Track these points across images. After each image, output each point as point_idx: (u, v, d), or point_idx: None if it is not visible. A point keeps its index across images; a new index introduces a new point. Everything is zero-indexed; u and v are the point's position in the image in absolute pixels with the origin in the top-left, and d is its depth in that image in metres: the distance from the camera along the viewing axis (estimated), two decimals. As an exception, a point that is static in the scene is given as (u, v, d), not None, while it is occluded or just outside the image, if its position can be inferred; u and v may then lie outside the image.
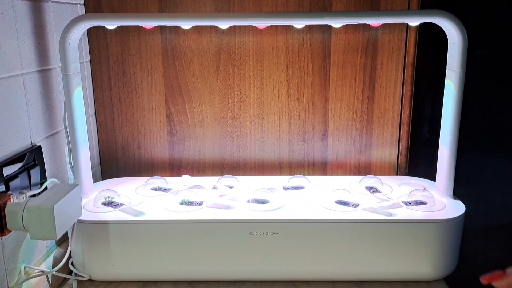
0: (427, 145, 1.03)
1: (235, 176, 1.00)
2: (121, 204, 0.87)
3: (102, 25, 0.87)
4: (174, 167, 1.11)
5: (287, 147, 1.08)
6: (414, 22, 0.80)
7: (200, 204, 0.86)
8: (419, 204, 0.82)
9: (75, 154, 0.87)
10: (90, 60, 1.06)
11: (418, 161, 1.05)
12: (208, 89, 1.06)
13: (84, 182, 0.90)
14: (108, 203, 0.87)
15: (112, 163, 1.12)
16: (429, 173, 0.97)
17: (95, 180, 1.09)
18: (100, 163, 1.12)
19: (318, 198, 0.87)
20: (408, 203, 0.83)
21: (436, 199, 0.85)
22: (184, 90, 1.06)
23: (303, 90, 1.05)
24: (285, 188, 0.93)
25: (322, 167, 1.09)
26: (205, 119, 1.08)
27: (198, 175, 1.11)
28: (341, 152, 1.08)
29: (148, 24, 0.85)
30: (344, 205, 0.83)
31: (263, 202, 0.85)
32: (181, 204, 0.86)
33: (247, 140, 1.08)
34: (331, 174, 1.09)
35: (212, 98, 1.06)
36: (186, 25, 0.88)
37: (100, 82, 1.07)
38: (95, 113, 1.09)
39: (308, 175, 1.08)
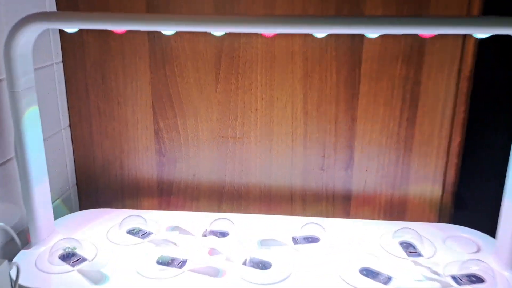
0: (483, 185, 0.80)
1: (233, 215, 0.80)
2: (83, 259, 0.68)
3: (60, 27, 0.67)
4: (163, 193, 0.92)
5: (300, 175, 0.87)
6: (483, 33, 0.56)
7: (182, 264, 0.66)
8: (474, 283, 0.61)
9: (27, 190, 0.69)
10: (62, 61, 0.86)
11: (469, 204, 0.82)
12: (205, 101, 0.85)
13: (40, 226, 0.71)
14: (66, 256, 0.69)
15: (90, 185, 0.94)
16: (483, 223, 0.75)
17: (69, 204, 0.91)
18: (77, 184, 0.94)
19: (337, 261, 0.66)
20: (459, 280, 0.61)
21: (497, 273, 0.63)
22: (175, 102, 0.86)
23: (323, 107, 0.82)
24: (295, 241, 0.73)
25: (344, 204, 0.87)
26: (200, 137, 0.87)
27: (191, 204, 0.92)
28: (370, 186, 0.86)
29: (123, 28, 0.64)
30: (372, 277, 0.62)
31: (264, 266, 0.65)
32: (158, 263, 0.66)
33: (252, 165, 0.87)
34: (355, 213, 0.87)
35: (210, 113, 0.85)
36: (171, 30, 0.67)
37: (75, 88, 0.88)
38: (70, 125, 0.90)
39: (327, 212, 0.87)
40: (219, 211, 0.91)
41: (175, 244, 0.72)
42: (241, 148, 0.87)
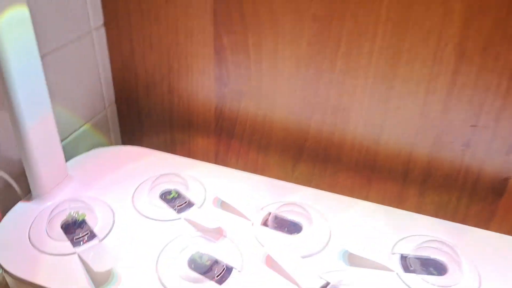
0: None
1: (312, 192, 0.54)
2: (91, 236, 0.48)
3: None
4: (222, 135, 0.67)
5: (429, 147, 0.56)
6: None
7: (222, 276, 0.43)
8: None
9: (18, 127, 0.47)
10: None
11: None
12: (293, 14, 0.53)
13: (41, 173, 0.51)
14: (70, 226, 0.49)
15: (131, 105, 0.71)
16: None
17: (103, 129, 0.70)
18: (116, 101, 0.72)
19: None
20: None
21: None
22: (247, 9, 0.55)
23: (497, 48, 0.47)
24: (407, 265, 0.45)
25: (489, 202, 0.56)
26: (280, 66, 0.58)
27: (256, 155, 0.66)
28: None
29: None
30: None
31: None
32: (190, 265, 0.44)
33: (352, 117, 0.58)
34: (502, 220, 0.56)
35: (299, 31, 0.54)
36: None
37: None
38: (104, 25, 0.65)
39: (455, 209, 0.58)
40: (293, 173, 0.65)
41: (222, 232, 0.48)
42: (339, 90, 0.56)
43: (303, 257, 0.47)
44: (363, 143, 0.59)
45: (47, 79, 0.49)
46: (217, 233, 0.49)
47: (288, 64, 0.57)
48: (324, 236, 0.49)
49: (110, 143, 0.73)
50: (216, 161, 0.70)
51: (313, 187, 0.57)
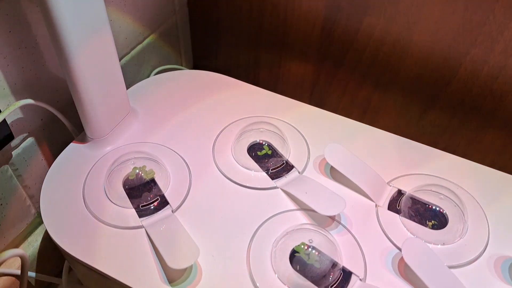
0: None
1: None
2: (162, 203, 0.36)
3: None
4: (326, 61, 0.50)
5: None
6: None
7: (342, 279, 0.31)
8: None
9: (64, 46, 0.33)
10: None
11: None
12: None
13: (94, 118, 0.38)
14: (135, 186, 0.37)
15: (207, 11, 0.55)
16: None
17: (174, 41, 0.55)
18: (188, 4, 0.55)
19: None
20: None
21: None
22: None
23: None
24: None
25: None
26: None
27: (375, 92, 0.50)
28: None
29: None
30: None
31: None
32: (294, 262, 0.32)
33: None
34: None
35: None
36: None
37: None
38: None
39: None
40: (419, 122, 0.48)
41: (333, 217, 0.35)
42: (528, 18, 0.37)
43: (451, 267, 0.33)
44: None
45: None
46: (328, 219, 0.35)
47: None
48: (481, 236, 0.34)
49: (180, 61, 0.58)
50: (312, 94, 0.54)
51: (445, 141, 0.41)
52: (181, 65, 0.59)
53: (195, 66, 0.61)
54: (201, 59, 0.60)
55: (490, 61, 0.41)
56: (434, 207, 0.36)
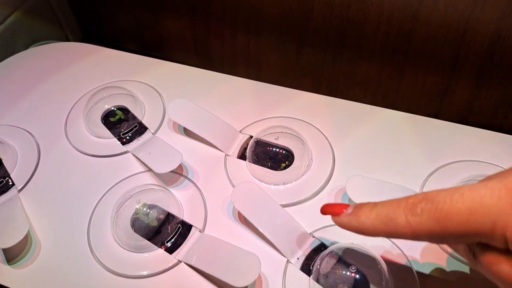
0: None
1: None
2: (7, 184, 0.35)
3: None
4: (197, 14, 0.48)
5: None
6: None
7: (182, 232, 0.30)
8: None
9: None
10: None
11: None
12: None
13: None
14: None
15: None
16: None
17: (48, 13, 0.53)
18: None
19: None
20: None
21: None
22: None
23: None
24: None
25: None
26: None
27: (249, 38, 0.48)
28: None
29: None
30: None
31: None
32: (132, 223, 0.31)
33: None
34: None
35: None
36: None
37: None
38: None
39: None
40: (297, 61, 0.47)
41: (181, 173, 0.34)
42: None
43: (284, 205, 0.32)
44: (393, 18, 0.39)
45: None
46: (174, 175, 0.35)
47: None
48: (324, 171, 0.34)
49: (63, 35, 0.56)
50: (196, 48, 0.52)
51: (325, 77, 0.40)
52: (66, 39, 0.57)
53: (84, 39, 0.59)
54: (89, 30, 0.58)
55: (338, -11, 0.39)
56: (277, 149, 0.35)
